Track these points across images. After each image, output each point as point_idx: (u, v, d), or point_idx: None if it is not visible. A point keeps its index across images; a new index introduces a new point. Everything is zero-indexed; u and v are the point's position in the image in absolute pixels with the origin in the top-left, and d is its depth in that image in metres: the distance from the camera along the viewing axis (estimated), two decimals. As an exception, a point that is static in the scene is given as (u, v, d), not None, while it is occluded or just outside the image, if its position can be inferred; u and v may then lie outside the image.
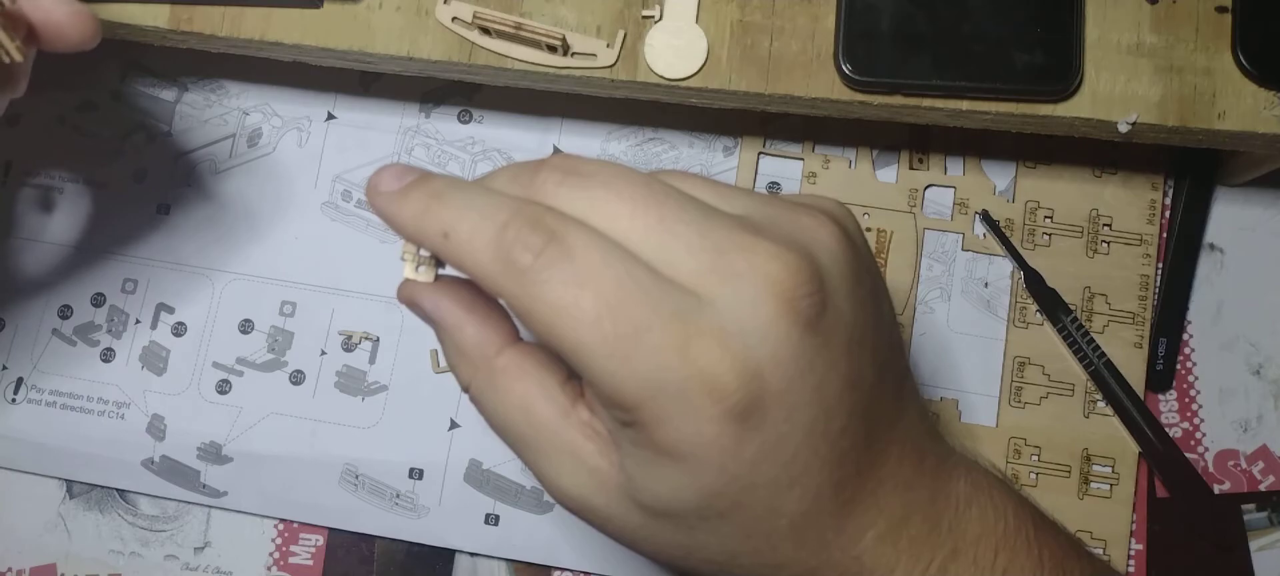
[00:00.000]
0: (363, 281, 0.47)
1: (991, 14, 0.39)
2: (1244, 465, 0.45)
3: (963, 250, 0.46)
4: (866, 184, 0.46)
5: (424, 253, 0.30)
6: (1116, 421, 0.44)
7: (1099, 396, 0.44)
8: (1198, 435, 0.45)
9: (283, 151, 0.48)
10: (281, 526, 0.45)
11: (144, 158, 0.48)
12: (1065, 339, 0.45)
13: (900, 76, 0.39)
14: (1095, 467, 0.44)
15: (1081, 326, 0.44)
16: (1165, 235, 0.46)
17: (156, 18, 0.40)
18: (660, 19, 0.40)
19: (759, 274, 0.25)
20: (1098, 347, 0.44)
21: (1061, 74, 0.39)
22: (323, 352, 0.46)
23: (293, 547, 0.45)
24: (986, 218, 0.46)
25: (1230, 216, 0.47)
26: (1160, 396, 0.46)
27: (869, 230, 0.46)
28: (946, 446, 0.31)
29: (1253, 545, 0.44)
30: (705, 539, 0.28)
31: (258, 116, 0.48)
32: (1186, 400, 0.46)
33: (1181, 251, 0.46)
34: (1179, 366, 0.46)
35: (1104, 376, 0.44)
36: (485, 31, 0.40)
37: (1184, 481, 0.44)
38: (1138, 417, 0.44)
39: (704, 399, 0.25)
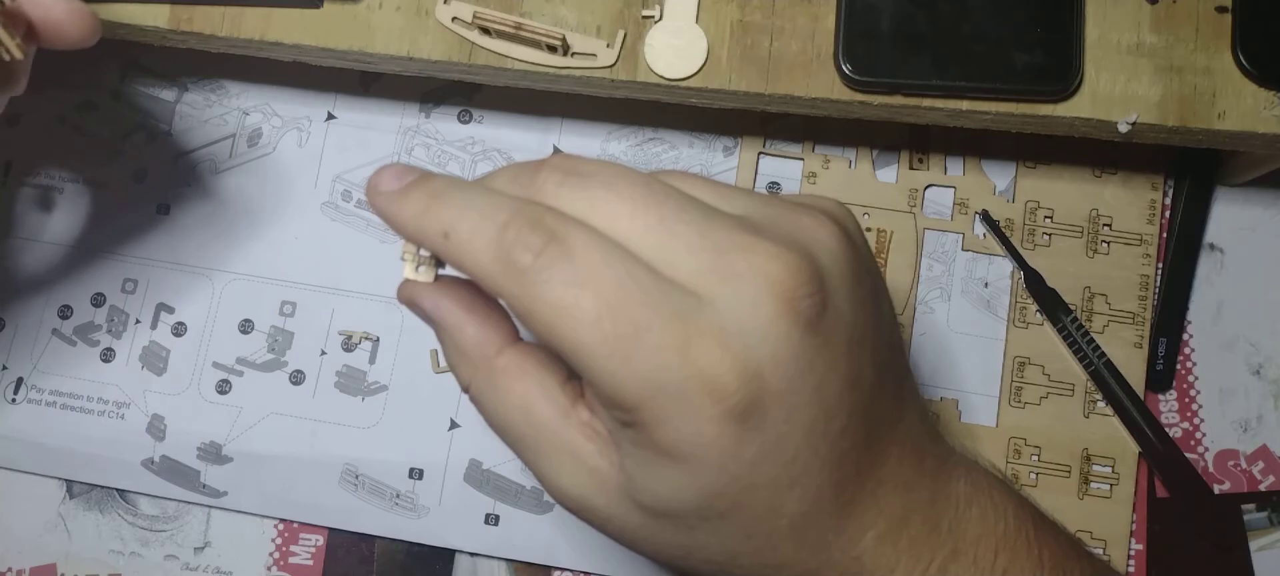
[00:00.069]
0: (363, 281, 0.47)
1: (991, 14, 0.39)
2: (1244, 465, 0.45)
3: (963, 250, 0.46)
4: (866, 184, 0.46)
5: (424, 253, 0.30)
6: (1116, 421, 0.44)
7: (1099, 396, 0.44)
8: (1198, 435, 0.45)
9: (283, 151, 0.48)
10: (281, 526, 0.45)
11: (144, 158, 0.48)
12: (1065, 339, 0.45)
13: (900, 76, 0.39)
14: (1095, 467, 0.44)
15: (1081, 326, 0.44)
16: (1165, 235, 0.46)
17: (156, 17, 0.40)
18: (660, 19, 0.40)
19: (759, 274, 0.25)
20: (1098, 347, 0.44)
21: (1061, 74, 0.39)
22: (323, 352, 0.46)
23: (293, 547, 0.45)
24: (986, 218, 0.46)
25: (1230, 216, 0.47)
26: (1160, 396, 0.46)
27: (869, 230, 0.46)
28: (947, 447, 0.31)
29: (1253, 545, 0.44)
30: (705, 539, 0.28)
31: (258, 116, 0.48)
32: (1186, 400, 0.46)
33: (1181, 251, 0.46)
34: (1179, 366, 0.46)
35: (1104, 376, 0.44)
36: (485, 31, 0.40)
37: (1184, 481, 0.44)
38: (1138, 417, 0.44)
39: (704, 399, 0.25)
